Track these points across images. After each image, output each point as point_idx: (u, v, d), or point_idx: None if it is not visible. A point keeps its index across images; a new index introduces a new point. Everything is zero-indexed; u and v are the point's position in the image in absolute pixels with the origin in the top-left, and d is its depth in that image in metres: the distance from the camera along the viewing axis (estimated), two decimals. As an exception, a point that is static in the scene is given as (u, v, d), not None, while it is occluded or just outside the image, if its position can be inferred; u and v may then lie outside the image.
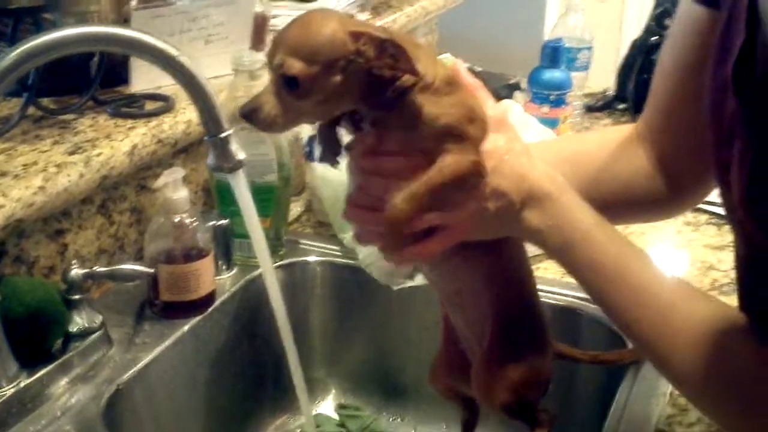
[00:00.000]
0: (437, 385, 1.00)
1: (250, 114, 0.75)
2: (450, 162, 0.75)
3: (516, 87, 1.78)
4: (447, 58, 1.49)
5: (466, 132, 0.76)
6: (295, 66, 0.71)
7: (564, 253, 0.83)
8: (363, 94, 0.75)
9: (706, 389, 0.81)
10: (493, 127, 0.79)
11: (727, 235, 1.40)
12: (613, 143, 1.03)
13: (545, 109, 1.59)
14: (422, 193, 0.75)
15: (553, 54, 1.61)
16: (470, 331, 0.91)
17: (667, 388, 1.06)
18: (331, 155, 0.83)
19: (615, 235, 0.84)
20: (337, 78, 0.72)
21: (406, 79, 0.74)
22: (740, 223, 0.81)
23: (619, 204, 1.00)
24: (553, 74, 1.61)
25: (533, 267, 1.29)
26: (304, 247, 1.39)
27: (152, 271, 1.13)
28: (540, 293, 1.21)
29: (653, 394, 1.05)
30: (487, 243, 0.84)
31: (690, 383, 0.82)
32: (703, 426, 1.00)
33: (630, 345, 1.12)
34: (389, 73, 0.73)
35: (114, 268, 1.10)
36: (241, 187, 1.02)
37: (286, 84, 0.72)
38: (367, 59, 0.72)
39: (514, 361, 0.88)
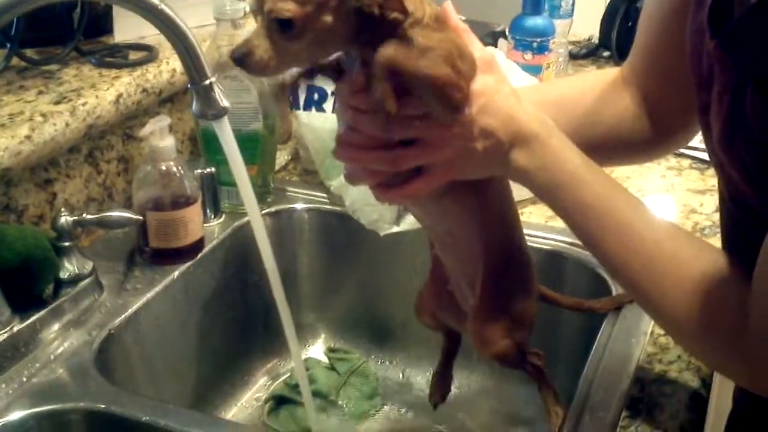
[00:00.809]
0: (423, 318, 1.02)
1: (242, 58, 0.74)
2: (442, 69, 0.74)
3: (501, 35, 1.78)
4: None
5: (455, 64, 0.76)
6: (289, 7, 0.71)
7: (551, 194, 0.84)
8: (354, 34, 0.74)
9: (691, 329, 0.82)
10: (481, 69, 0.79)
11: (709, 180, 1.42)
12: (598, 87, 1.04)
13: (528, 56, 1.59)
14: (411, 66, 0.73)
15: (535, 1, 1.61)
16: (460, 269, 0.92)
17: (648, 327, 1.08)
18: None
19: (602, 176, 0.85)
20: (329, 18, 0.72)
21: (396, 15, 0.73)
22: (720, 164, 0.83)
23: (605, 146, 1.01)
24: (536, 21, 1.60)
25: (519, 211, 1.33)
26: (291, 194, 1.40)
27: (140, 218, 1.14)
28: (526, 237, 1.26)
29: (634, 332, 1.07)
30: (476, 183, 0.85)
31: (676, 324, 0.83)
32: (682, 363, 1.02)
33: (614, 291, 1.14)
34: (378, 11, 0.72)
35: (103, 215, 1.11)
36: (225, 134, 1.03)
37: (280, 26, 0.72)
38: None
39: (505, 307, 0.90)
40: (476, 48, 0.81)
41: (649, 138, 1.03)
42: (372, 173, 0.82)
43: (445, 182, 0.83)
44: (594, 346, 1.06)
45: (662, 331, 1.06)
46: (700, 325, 0.81)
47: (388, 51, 0.73)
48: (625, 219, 0.84)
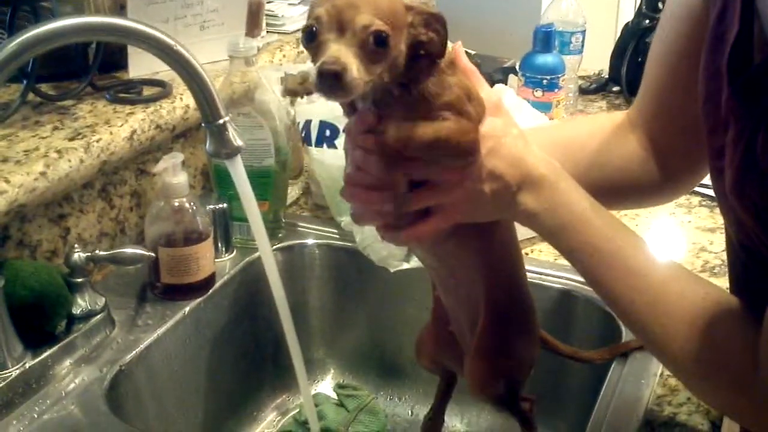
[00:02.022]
0: (422, 360, 1.02)
1: (334, 76, 0.68)
2: (447, 125, 0.76)
3: (511, 70, 1.79)
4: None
5: (465, 109, 0.77)
6: (377, 23, 0.69)
7: (559, 236, 0.84)
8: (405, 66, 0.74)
9: (697, 371, 0.82)
10: (490, 111, 0.80)
11: (718, 218, 1.41)
12: (605, 130, 1.04)
13: (538, 93, 1.60)
14: (417, 138, 0.74)
15: (545, 38, 1.62)
16: (462, 312, 0.93)
17: (657, 368, 1.08)
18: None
19: (609, 218, 0.85)
20: (403, 45, 0.72)
21: (439, 53, 0.75)
22: (731, 209, 0.83)
23: (613, 189, 1.01)
24: (546, 59, 1.62)
25: (527, 249, 1.33)
26: (302, 229, 1.41)
27: (153, 254, 1.15)
28: (535, 276, 1.26)
29: (644, 374, 1.07)
30: (481, 226, 0.85)
31: (682, 365, 0.83)
32: (691, 406, 1.02)
33: (623, 331, 1.14)
34: (436, 49, 0.73)
35: (115, 251, 1.12)
36: (238, 172, 1.03)
37: (376, 43, 0.69)
38: (417, 31, 0.73)
39: (506, 350, 0.90)
40: (484, 90, 0.82)
41: (656, 181, 1.03)
42: (378, 214, 0.82)
43: (451, 224, 0.83)
44: (603, 388, 1.06)
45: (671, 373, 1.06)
46: (706, 366, 0.81)
47: (392, 132, 0.74)
48: (632, 260, 0.84)
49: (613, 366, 1.10)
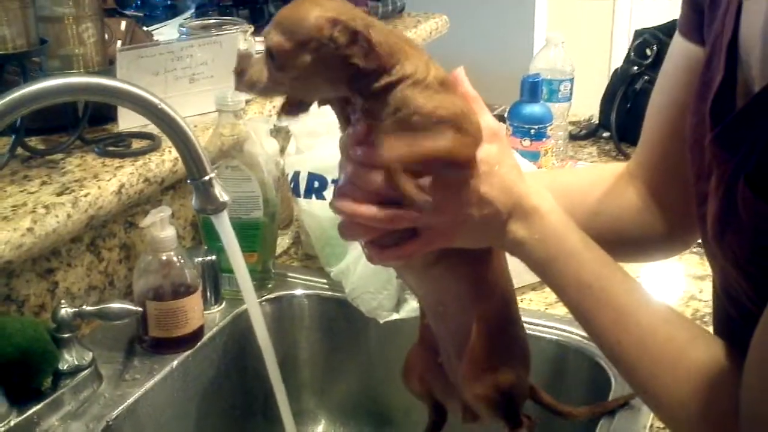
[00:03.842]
0: (411, 383, 1.00)
1: (238, 73, 0.80)
2: (446, 138, 0.76)
3: (500, 118, 1.81)
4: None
5: (464, 127, 0.77)
6: (275, 39, 0.76)
7: (548, 268, 0.84)
8: (347, 81, 0.76)
9: (684, 414, 0.81)
10: (487, 138, 0.80)
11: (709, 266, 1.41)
12: (606, 181, 1.03)
13: (526, 142, 1.61)
14: (415, 152, 0.76)
15: (532, 88, 1.64)
16: (451, 340, 0.91)
17: (647, 422, 1.07)
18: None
19: (600, 255, 0.84)
20: (307, 57, 0.75)
21: (395, 72, 0.76)
22: (714, 256, 0.83)
23: (613, 242, 0.99)
24: (533, 108, 1.63)
25: (518, 298, 1.33)
26: (291, 280, 1.41)
27: (140, 309, 1.14)
28: (525, 326, 1.25)
29: (633, 427, 1.06)
30: (471, 253, 0.85)
31: (669, 408, 0.82)
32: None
33: (613, 381, 1.13)
34: (362, 63, 0.75)
35: (102, 306, 1.11)
36: (224, 226, 1.04)
37: (269, 56, 0.77)
38: (337, 46, 0.75)
39: (497, 365, 0.89)
40: (484, 117, 0.81)
41: (656, 235, 1.02)
42: (366, 229, 0.81)
43: (439, 248, 0.83)
44: (593, 438, 1.05)
45: (661, 425, 1.05)
46: (693, 411, 0.80)
47: (391, 151, 0.75)
48: (621, 299, 0.83)
49: (601, 422, 1.09)
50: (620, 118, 1.87)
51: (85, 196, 1.17)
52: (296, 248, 1.51)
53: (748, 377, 0.75)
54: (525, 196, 0.82)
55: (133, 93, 0.93)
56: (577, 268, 0.83)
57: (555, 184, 1.02)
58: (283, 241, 1.49)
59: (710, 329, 0.92)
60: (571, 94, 1.79)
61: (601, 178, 1.05)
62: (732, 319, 0.85)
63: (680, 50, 0.93)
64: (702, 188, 0.83)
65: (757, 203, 0.72)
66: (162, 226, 1.17)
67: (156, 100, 0.94)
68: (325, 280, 1.39)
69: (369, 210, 0.79)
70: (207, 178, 1.00)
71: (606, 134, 1.95)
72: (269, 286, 1.37)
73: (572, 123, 1.99)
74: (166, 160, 1.31)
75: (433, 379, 0.98)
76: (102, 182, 1.21)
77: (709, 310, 1.27)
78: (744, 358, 0.75)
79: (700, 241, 1.42)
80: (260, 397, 1.33)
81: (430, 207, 0.76)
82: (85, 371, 1.10)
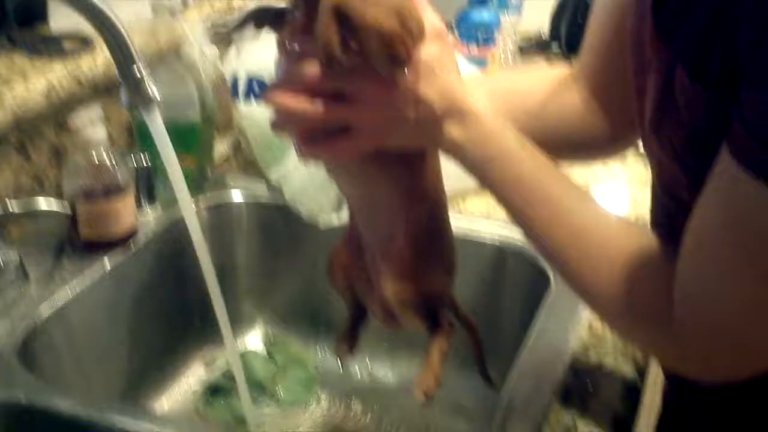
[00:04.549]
0: (335, 281, 0.98)
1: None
2: (389, 22, 0.72)
3: (449, 26, 1.78)
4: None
5: (404, 20, 0.73)
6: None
7: (483, 168, 0.82)
8: None
9: (616, 308, 0.81)
10: (430, 38, 0.77)
11: (651, 171, 1.41)
12: (548, 83, 1.02)
13: (473, 47, 1.59)
14: (353, 11, 0.71)
15: (482, -7, 1.61)
16: (379, 243, 0.90)
17: (584, 316, 1.07)
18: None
19: (536, 154, 0.83)
20: None
21: None
22: (652, 151, 0.82)
23: (553, 143, 0.98)
24: (481, 13, 1.60)
25: (459, 202, 1.32)
26: (230, 186, 1.38)
27: (68, 208, 1.11)
28: (466, 230, 1.26)
29: (570, 321, 1.07)
30: (406, 156, 0.83)
31: (604, 301, 0.82)
32: (617, 353, 1.02)
33: (552, 282, 1.13)
34: None
35: (28, 205, 1.08)
36: (156, 124, 1.00)
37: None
38: None
39: (422, 270, 0.87)
40: (427, 16, 0.78)
41: (599, 137, 1.01)
42: (297, 123, 0.78)
43: (372, 146, 0.80)
44: (530, 335, 1.05)
45: (599, 321, 1.05)
46: (627, 303, 0.80)
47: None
48: (556, 195, 0.82)
49: (539, 316, 1.09)
50: (570, 31, 1.85)
51: (12, 96, 1.13)
52: (236, 156, 1.48)
53: (682, 262, 0.74)
54: (461, 99, 0.80)
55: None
56: (513, 166, 0.82)
57: (495, 88, 1.02)
58: (222, 148, 1.46)
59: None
60: (521, 5, 1.76)
61: (543, 81, 1.03)
62: (671, 214, 0.85)
63: None
64: (641, 83, 0.82)
65: (694, 87, 0.71)
66: (92, 125, 1.14)
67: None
68: (264, 186, 1.37)
69: (299, 102, 0.77)
70: (137, 72, 0.96)
71: (556, 48, 1.93)
72: (207, 191, 1.34)
73: (523, 39, 1.96)
74: (99, 61, 1.27)
75: (356, 279, 0.96)
76: (30, 82, 1.17)
77: (650, 214, 1.28)
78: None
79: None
80: (197, 303, 1.30)
81: (347, 63, 0.73)
82: (11, 270, 1.07)
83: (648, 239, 0.83)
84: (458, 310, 0.97)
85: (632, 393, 0.97)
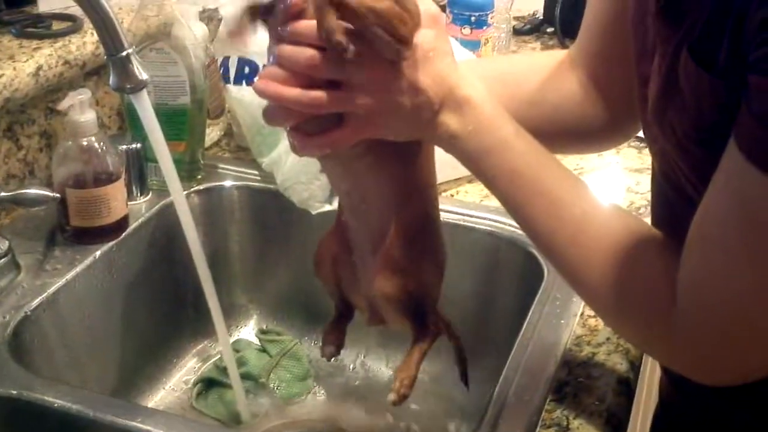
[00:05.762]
0: (322, 276, 0.96)
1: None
2: (387, 4, 0.71)
3: (442, 8, 1.76)
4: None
5: (402, 3, 0.72)
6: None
7: (479, 160, 0.81)
8: None
9: (614, 304, 0.80)
10: (425, 22, 0.76)
11: (646, 158, 1.40)
12: (544, 68, 1.00)
13: (466, 30, 1.57)
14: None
15: (476, -25, 1.59)
16: (369, 239, 0.88)
17: (578, 309, 1.07)
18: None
19: (534, 146, 0.82)
20: None
21: None
22: (654, 138, 0.81)
23: (550, 130, 0.97)
24: (475, -5, 1.58)
25: (453, 191, 1.31)
26: (222, 171, 1.37)
27: (57, 195, 1.10)
28: (460, 217, 1.25)
29: (564, 314, 1.06)
30: (400, 149, 0.81)
31: (599, 297, 0.82)
32: (610, 346, 1.01)
33: (545, 271, 1.12)
34: None
35: (17, 192, 1.07)
36: (144, 108, 0.99)
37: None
38: None
39: (411, 268, 0.86)
40: (423, 1, 0.77)
41: (597, 125, 1.00)
42: (290, 113, 0.76)
43: (367, 137, 0.78)
44: (523, 328, 1.04)
45: (592, 313, 1.04)
46: (624, 299, 0.79)
47: None
48: (554, 188, 0.81)
49: (533, 308, 1.08)
50: (565, 12, 1.83)
51: (0, 77, 1.11)
52: (228, 140, 1.47)
53: (687, 252, 0.74)
54: (457, 87, 0.78)
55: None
56: (510, 158, 0.81)
57: (490, 73, 0.99)
58: (214, 133, 1.44)
59: (647, 220, 0.91)
60: (515, -15, 1.74)
61: (539, 66, 1.02)
62: (671, 203, 0.84)
63: None
64: (644, 69, 0.80)
65: (700, 74, 0.70)
66: (81, 109, 1.12)
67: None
68: (256, 172, 1.35)
69: (292, 91, 0.75)
70: (125, 53, 0.94)
71: (550, 29, 1.91)
72: (198, 177, 1.32)
73: (516, 18, 1.94)
74: (88, 42, 1.25)
75: (344, 275, 0.94)
76: (18, 63, 1.15)
77: (645, 202, 1.28)
78: (683, 239, 0.74)
79: (639, 135, 1.44)
80: (190, 291, 1.30)
81: (352, 55, 0.72)
82: (1, 260, 1.06)
83: (648, 231, 0.82)
84: (439, 315, 0.96)
85: (626, 386, 0.97)
